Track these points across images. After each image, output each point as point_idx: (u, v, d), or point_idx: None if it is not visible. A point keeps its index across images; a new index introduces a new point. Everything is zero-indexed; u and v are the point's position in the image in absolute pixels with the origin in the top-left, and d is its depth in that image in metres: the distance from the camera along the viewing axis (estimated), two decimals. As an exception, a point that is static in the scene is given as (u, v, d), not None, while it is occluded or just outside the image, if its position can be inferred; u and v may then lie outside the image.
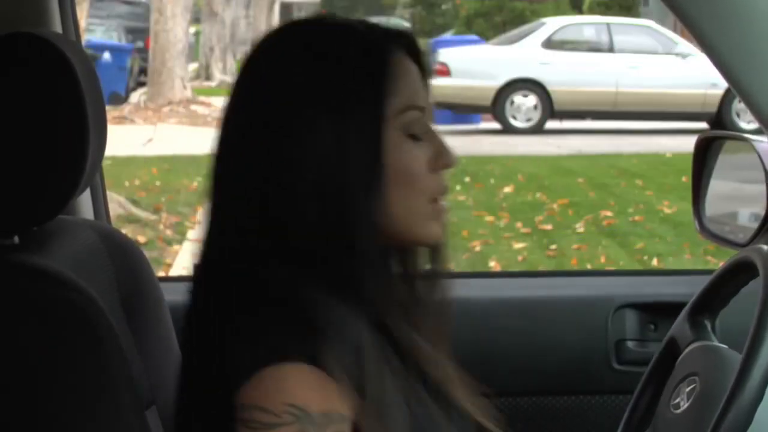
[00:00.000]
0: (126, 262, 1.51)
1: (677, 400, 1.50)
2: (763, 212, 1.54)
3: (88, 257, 1.42)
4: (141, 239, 7.00)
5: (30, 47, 1.27)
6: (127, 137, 11.62)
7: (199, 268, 1.26)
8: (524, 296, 2.12)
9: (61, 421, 1.14)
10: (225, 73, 20.06)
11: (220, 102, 1.36)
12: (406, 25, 32.00)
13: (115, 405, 1.15)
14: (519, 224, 8.06)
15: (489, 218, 8.27)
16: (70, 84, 1.26)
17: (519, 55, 14.84)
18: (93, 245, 1.45)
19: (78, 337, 1.16)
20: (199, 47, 21.55)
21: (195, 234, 6.94)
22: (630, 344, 2.03)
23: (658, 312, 2.05)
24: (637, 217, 8.27)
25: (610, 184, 9.99)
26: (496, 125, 14.78)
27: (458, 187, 9.81)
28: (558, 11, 19.87)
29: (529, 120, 14.59)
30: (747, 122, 13.55)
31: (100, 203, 2.05)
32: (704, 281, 1.61)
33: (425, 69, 1.35)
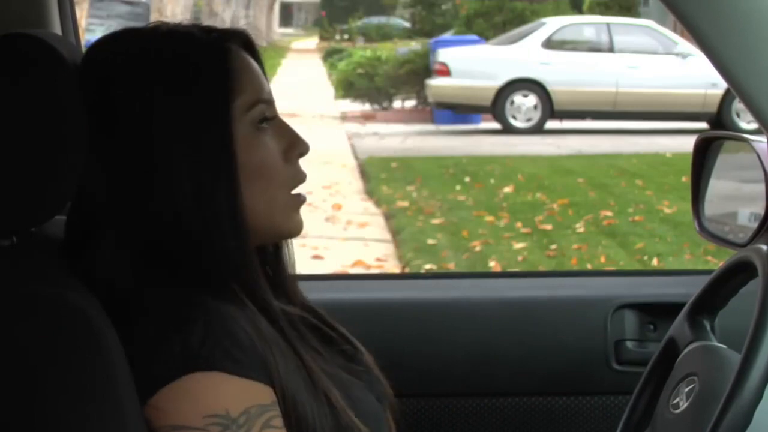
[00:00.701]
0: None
1: (676, 400, 1.50)
2: (762, 212, 1.54)
3: (86, 257, 1.42)
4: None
5: (28, 48, 1.27)
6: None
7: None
8: (524, 296, 2.12)
9: (60, 422, 1.14)
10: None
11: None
12: (406, 25, 31.99)
13: (114, 404, 1.15)
14: (519, 224, 8.06)
15: (489, 218, 8.27)
16: (68, 84, 1.26)
17: (519, 55, 14.85)
18: (92, 245, 1.45)
19: (76, 338, 1.16)
20: (199, 47, 21.53)
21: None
22: (629, 344, 2.03)
23: (658, 312, 2.05)
24: (637, 217, 8.28)
25: (610, 184, 10.00)
26: (496, 125, 14.79)
27: (458, 187, 9.81)
28: (558, 11, 19.87)
29: (529, 120, 14.59)
30: (747, 122, 13.55)
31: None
32: (704, 281, 1.61)
33: (263, 64, 1.37)
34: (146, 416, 1.18)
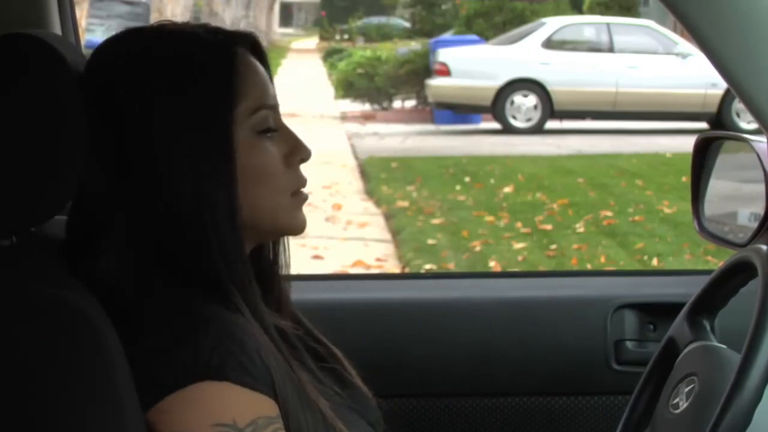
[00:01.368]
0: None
1: (676, 400, 1.50)
2: (762, 212, 1.54)
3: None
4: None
5: (28, 48, 1.27)
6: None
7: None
8: (524, 296, 2.12)
9: (60, 422, 1.14)
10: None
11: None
12: (406, 25, 31.97)
13: (114, 404, 1.15)
14: (519, 224, 8.06)
15: (489, 218, 8.27)
16: (67, 85, 1.26)
17: (519, 55, 14.85)
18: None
19: (76, 338, 1.16)
20: (199, 47, 21.52)
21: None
22: (629, 344, 2.03)
23: (658, 312, 2.05)
24: (637, 217, 8.28)
25: (610, 184, 10.00)
26: (496, 125, 14.78)
27: (458, 187, 9.81)
28: (558, 11, 19.86)
29: (529, 120, 14.59)
30: (747, 122, 13.55)
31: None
32: (704, 281, 1.61)
33: (269, 68, 1.36)
34: (151, 421, 1.18)
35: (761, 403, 1.27)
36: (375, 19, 33.14)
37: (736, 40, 1.27)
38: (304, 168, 1.37)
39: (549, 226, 7.97)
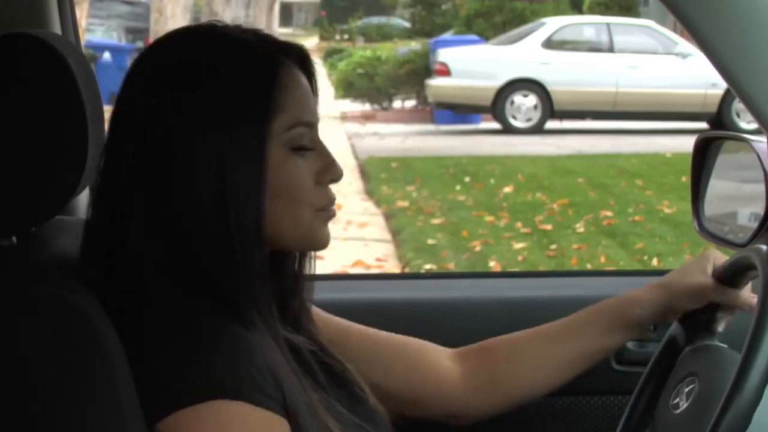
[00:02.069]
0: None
1: (676, 401, 1.50)
2: (762, 212, 1.54)
3: (86, 257, 1.42)
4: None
5: (28, 48, 1.27)
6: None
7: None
8: (524, 296, 2.12)
9: (60, 422, 1.14)
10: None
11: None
12: (406, 25, 31.94)
13: (113, 404, 1.15)
14: (519, 224, 8.06)
15: (489, 218, 8.28)
16: (68, 85, 1.26)
17: (519, 55, 14.85)
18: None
19: (77, 338, 1.16)
20: (199, 47, 21.52)
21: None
22: (629, 344, 2.02)
23: (658, 312, 2.05)
24: (637, 217, 8.28)
25: (610, 184, 10.00)
26: (496, 125, 14.79)
27: (458, 187, 9.81)
28: (558, 11, 19.87)
29: (529, 120, 14.59)
30: (747, 122, 13.55)
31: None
32: (703, 281, 1.60)
33: (316, 84, 1.35)
34: None
35: (761, 403, 1.27)
36: (375, 19, 33.13)
37: (736, 40, 1.27)
38: None
39: (549, 226, 7.97)
